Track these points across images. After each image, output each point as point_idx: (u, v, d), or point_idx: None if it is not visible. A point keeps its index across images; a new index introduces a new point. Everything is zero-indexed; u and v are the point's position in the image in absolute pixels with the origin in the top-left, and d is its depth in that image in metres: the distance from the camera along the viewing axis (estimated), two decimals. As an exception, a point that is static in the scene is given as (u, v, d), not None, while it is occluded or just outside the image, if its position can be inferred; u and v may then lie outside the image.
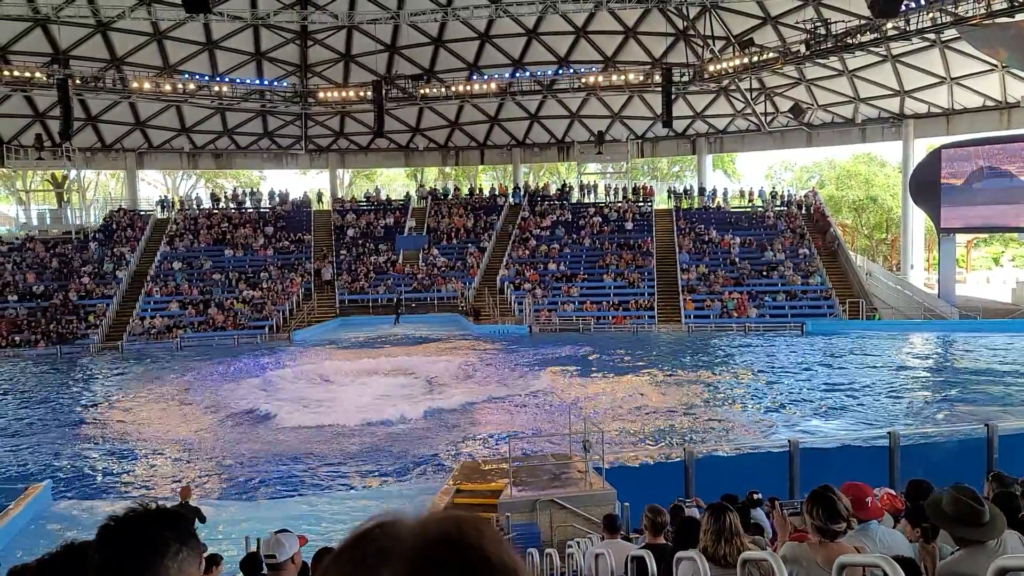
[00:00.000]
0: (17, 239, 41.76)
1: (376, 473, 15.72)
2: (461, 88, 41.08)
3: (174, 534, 1.40)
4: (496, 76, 41.64)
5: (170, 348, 33.27)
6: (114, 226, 42.82)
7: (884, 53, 35.22)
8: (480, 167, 58.75)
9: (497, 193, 47.44)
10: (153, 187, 62.06)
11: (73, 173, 44.50)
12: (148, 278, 38.57)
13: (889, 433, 12.71)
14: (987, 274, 52.77)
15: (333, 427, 19.17)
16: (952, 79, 35.62)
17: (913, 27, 30.04)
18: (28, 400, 23.80)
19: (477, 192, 49.38)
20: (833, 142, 44.43)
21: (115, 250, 40.43)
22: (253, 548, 8.59)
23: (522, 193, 46.23)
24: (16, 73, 35.72)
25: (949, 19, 28.98)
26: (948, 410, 19.32)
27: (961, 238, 43.56)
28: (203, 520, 10.69)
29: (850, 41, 31.98)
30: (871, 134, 41.34)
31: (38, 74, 35.83)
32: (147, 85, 38.31)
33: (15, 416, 21.56)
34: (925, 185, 36.14)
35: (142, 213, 45.06)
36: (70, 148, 39.82)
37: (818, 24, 33.14)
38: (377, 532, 0.89)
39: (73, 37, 37.42)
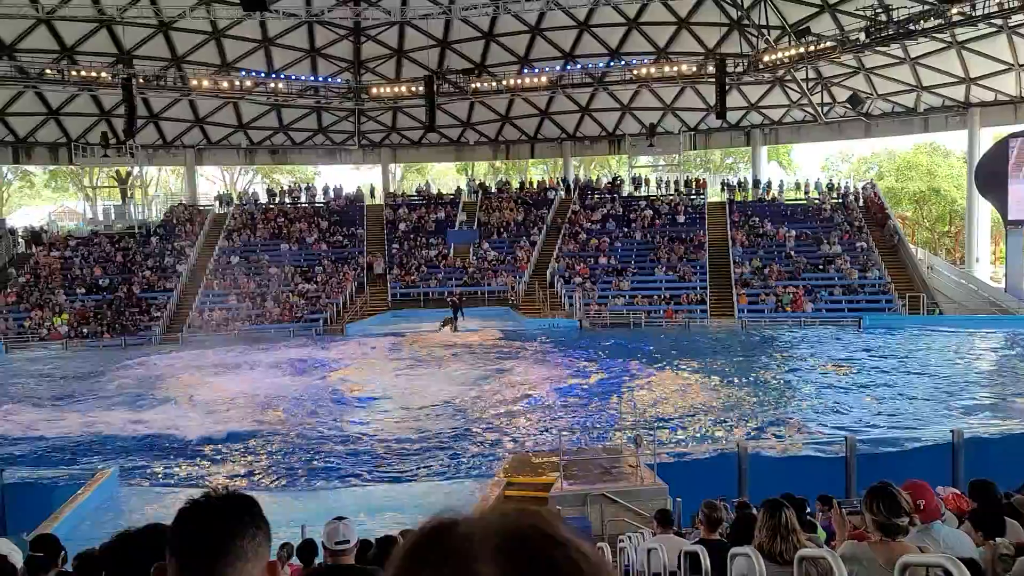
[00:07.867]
0: (84, 234, 43.37)
1: (425, 464, 15.83)
2: (512, 82, 41.08)
3: (251, 517, 1.46)
4: (547, 69, 41.53)
5: (228, 340, 34.09)
6: (174, 221, 43.98)
7: (948, 39, 34.01)
8: (531, 161, 58.65)
9: (548, 187, 47.34)
10: (211, 183, 63.64)
11: (136, 170, 45.89)
12: (207, 272, 39.57)
13: (952, 431, 12.37)
14: (1057, 268, 50.67)
15: (385, 417, 19.45)
16: (1020, 66, 34.27)
17: (979, 12, 29.03)
18: (97, 389, 24.66)
19: (528, 186, 49.34)
20: (894, 132, 43.10)
21: (175, 244, 41.57)
22: (307, 536, 8.83)
23: (572, 186, 46.04)
24: (83, 73, 37.03)
25: (1017, 3, 27.93)
26: (1014, 408, 18.66)
27: (1030, 230, 41.89)
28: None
29: (913, 28, 31.03)
30: (934, 124, 40.01)
31: (104, 74, 37.07)
32: (206, 83, 39.31)
33: (87, 403, 22.37)
34: (992, 175, 34.88)
35: (201, 208, 46.26)
36: (134, 145, 41.05)
37: (879, 11, 32.20)
38: (452, 529, 0.85)
39: (136, 37, 38.59)
